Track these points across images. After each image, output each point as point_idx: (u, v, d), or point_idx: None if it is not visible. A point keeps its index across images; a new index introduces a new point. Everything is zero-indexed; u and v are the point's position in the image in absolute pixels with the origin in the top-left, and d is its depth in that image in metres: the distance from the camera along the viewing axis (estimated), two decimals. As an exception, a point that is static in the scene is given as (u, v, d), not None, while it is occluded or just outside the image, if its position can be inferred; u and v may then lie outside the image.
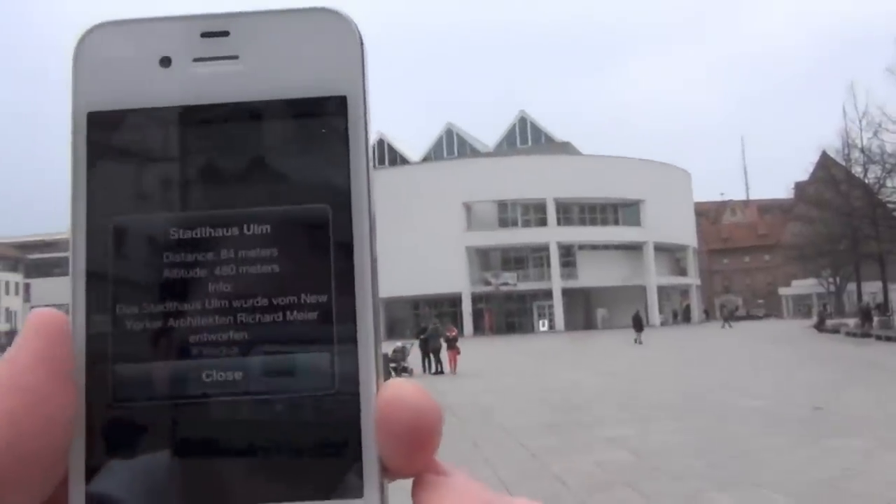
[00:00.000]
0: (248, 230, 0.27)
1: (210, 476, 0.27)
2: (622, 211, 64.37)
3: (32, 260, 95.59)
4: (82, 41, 0.28)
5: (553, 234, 59.60)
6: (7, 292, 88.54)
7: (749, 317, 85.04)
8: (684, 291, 74.11)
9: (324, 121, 0.27)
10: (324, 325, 0.27)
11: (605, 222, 64.11)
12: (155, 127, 0.27)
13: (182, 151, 0.27)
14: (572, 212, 62.59)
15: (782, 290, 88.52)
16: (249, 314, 0.27)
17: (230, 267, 0.27)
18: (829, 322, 44.49)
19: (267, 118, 0.27)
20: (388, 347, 21.43)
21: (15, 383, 0.25)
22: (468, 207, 59.16)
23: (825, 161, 49.13)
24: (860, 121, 41.94)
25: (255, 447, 0.27)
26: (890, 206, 41.55)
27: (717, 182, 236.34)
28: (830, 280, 66.44)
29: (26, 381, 0.25)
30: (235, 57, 0.28)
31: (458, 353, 21.70)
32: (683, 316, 74.45)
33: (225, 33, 0.28)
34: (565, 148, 71.78)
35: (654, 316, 61.98)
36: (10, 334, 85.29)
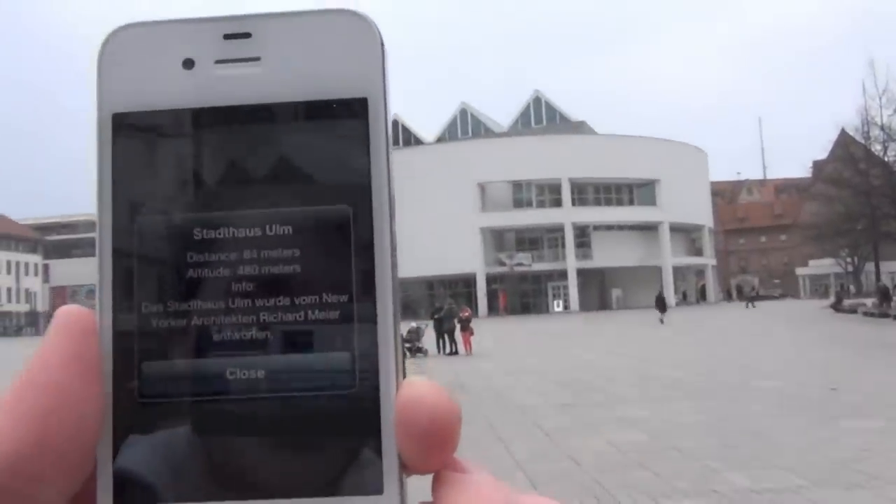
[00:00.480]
0: (271, 230, 0.28)
1: (233, 471, 0.27)
2: (637, 191, 64.01)
3: (51, 241, 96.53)
4: (107, 42, 0.28)
5: (568, 215, 59.41)
6: (27, 273, 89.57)
7: (765, 297, 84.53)
8: (700, 272, 73.76)
9: (345, 122, 0.28)
10: (345, 325, 0.28)
11: (620, 202, 63.82)
12: (178, 128, 0.28)
13: (205, 152, 0.28)
14: (587, 192, 62.32)
15: (799, 271, 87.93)
16: (272, 313, 0.28)
17: (253, 266, 0.28)
18: (847, 302, 44.12)
19: (288, 120, 0.28)
20: (404, 328, 21.26)
21: (45, 381, 0.26)
22: (482, 188, 59.04)
23: (844, 139, 48.54)
24: (880, 98, 41.49)
25: (276, 444, 0.27)
26: (910, 184, 41.07)
27: (734, 161, 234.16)
28: (848, 260, 65.88)
29: (57, 380, 0.26)
30: (258, 59, 0.28)
31: (472, 333, 21.74)
32: (699, 296, 74.16)
33: (247, 35, 0.28)
34: (580, 127, 71.32)
35: (670, 296, 61.79)
36: (31, 315, 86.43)
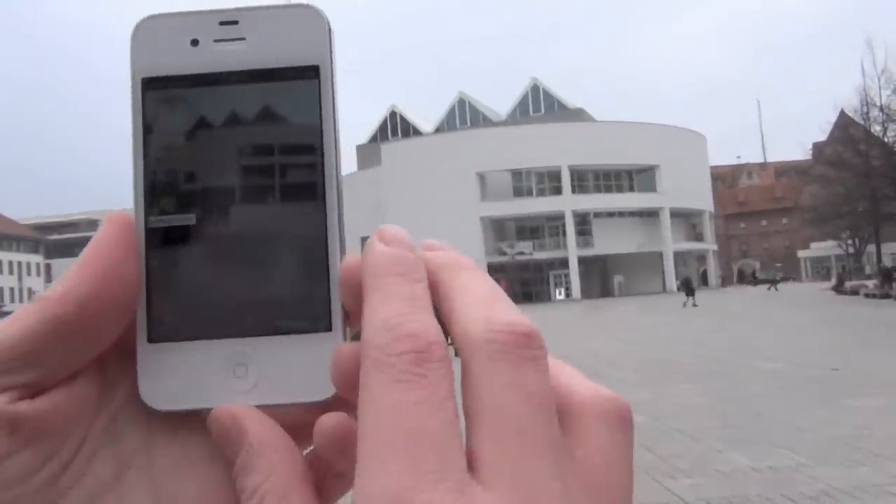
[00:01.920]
0: (252, 152, 0.40)
1: (218, 313, 0.38)
2: (637, 177, 63.96)
3: (53, 241, 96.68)
4: (137, 27, 0.40)
5: (568, 203, 59.39)
6: (29, 273, 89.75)
7: (766, 280, 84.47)
8: (701, 257, 73.77)
9: (304, 82, 0.39)
10: (307, 203, 0.39)
11: (620, 189, 63.76)
12: (188, 86, 0.39)
13: (206, 102, 0.39)
14: (587, 179, 62.27)
15: (801, 253, 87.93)
16: (254, 193, 0.39)
17: (241, 170, 0.40)
18: (848, 284, 44.15)
19: (263, 80, 0.40)
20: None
21: (101, 254, 0.36)
22: (482, 177, 59.00)
23: (843, 120, 48.47)
24: (879, 78, 41.43)
25: (252, 287, 0.38)
26: (910, 165, 41.00)
27: (734, 145, 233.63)
28: (849, 242, 65.90)
29: (109, 254, 0.36)
30: (243, 39, 0.40)
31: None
32: (701, 281, 74.21)
33: (235, 22, 0.40)
34: (579, 114, 71.21)
35: (671, 282, 61.87)
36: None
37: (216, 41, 0.40)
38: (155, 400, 0.37)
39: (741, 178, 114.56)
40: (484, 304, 0.32)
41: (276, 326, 0.38)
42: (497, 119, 73.57)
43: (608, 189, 63.15)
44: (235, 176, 0.39)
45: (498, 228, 61.11)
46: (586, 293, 59.22)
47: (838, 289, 42.97)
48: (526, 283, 62.21)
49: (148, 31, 0.40)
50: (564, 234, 59.81)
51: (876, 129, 43.21)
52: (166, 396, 0.37)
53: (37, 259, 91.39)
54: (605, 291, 63.39)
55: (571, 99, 75.83)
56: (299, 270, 0.38)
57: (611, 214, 62.68)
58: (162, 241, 0.38)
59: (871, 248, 55.54)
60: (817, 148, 57.86)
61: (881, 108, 41.76)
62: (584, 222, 61.45)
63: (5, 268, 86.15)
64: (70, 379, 0.35)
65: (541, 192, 60.92)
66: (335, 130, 0.39)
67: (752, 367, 12.44)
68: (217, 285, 0.38)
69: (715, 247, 73.49)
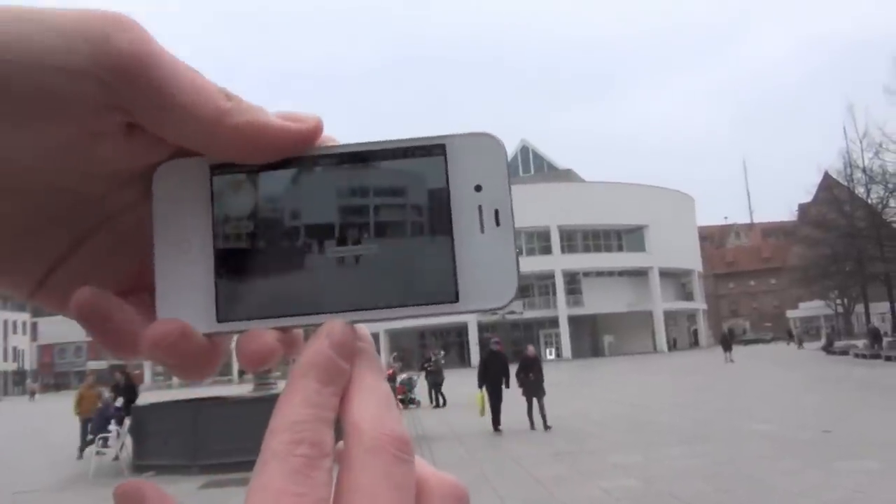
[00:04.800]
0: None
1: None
2: (626, 237, 64.44)
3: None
4: None
5: (558, 262, 59.65)
6: (14, 331, 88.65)
7: (756, 340, 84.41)
8: (691, 316, 73.84)
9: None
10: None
11: (609, 249, 64.14)
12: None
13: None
14: (576, 239, 62.69)
15: (790, 313, 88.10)
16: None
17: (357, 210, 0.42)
18: (838, 344, 44.17)
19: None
20: (396, 379, 21.35)
21: None
22: (472, 237, 59.10)
23: (828, 182, 49.17)
24: (861, 141, 42.19)
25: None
26: (894, 225, 41.49)
27: (721, 206, 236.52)
28: (838, 302, 66.15)
29: None
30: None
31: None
32: (692, 341, 74.14)
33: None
34: (568, 175, 72.14)
35: (661, 342, 61.76)
36: (18, 373, 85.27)
37: None
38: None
39: (729, 238, 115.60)
40: (379, 408, 0.36)
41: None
42: (487, 179, 74.15)
43: (597, 249, 63.53)
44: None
45: (488, 287, 60.97)
46: (576, 352, 58.96)
47: (828, 349, 42.97)
48: (516, 343, 61.78)
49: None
50: (554, 293, 59.88)
51: (860, 190, 43.86)
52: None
53: (23, 317, 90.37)
54: (596, 351, 63.14)
55: (560, 160, 77.05)
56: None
57: (600, 274, 62.90)
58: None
59: (860, 307, 55.78)
60: (803, 209, 58.56)
61: (864, 170, 42.48)
62: (573, 281, 61.61)
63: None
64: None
65: (531, 252, 61.19)
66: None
67: (745, 428, 12.37)
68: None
69: (704, 306, 73.64)
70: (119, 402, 15.04)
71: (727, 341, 41.18)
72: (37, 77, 0.33)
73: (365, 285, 0.40)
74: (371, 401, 0.36)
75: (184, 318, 0.39)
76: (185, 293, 0.40)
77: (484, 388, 15.28)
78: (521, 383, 14.99)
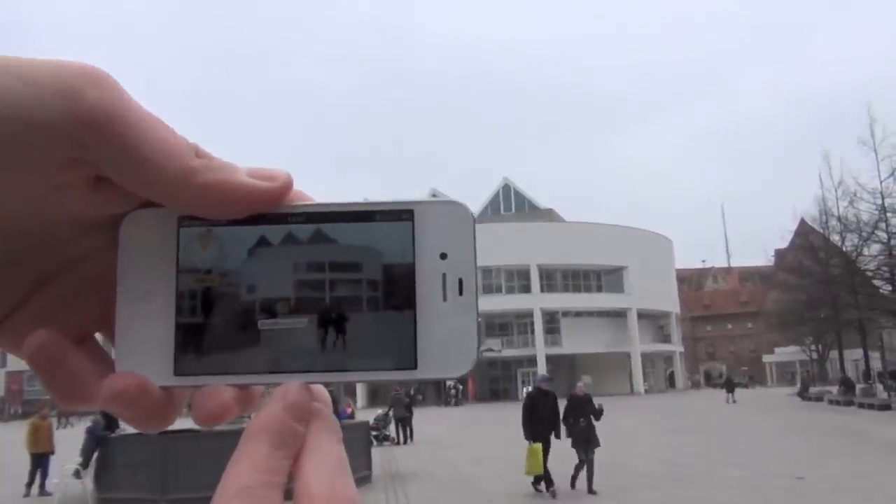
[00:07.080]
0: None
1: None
2: (605, 278, 64.73)
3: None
4: None
5: (537, 301, 59.69)
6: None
7: (736, 384, 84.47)
8: (668, 358, 73.98)
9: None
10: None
11: (588, 289, 64.32)
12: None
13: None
14: (556, 278, 62.85)
15: (766, 358, 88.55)
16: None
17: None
18: (813, 390, 44.46)
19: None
20: (370, 415, 21.17)
21: None
22: (452, 273, 59.09)
23: (804, 229, 49.80)
24: (836, 190, 42.80)
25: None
26: (868, 273, 42.05)
27: (698, 249, 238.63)
28: (813, 347, 66.62)
29: None
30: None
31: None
32: (668, 383, 74.16)
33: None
34: (549, 215, 72.57)
35: (639, 384, 61.73)
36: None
37: None
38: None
39: (706, 281, 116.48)
40: (332, 472, 0.36)
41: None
42: (468, 216, 74.37)
43: (577, 289, 63.68)
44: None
45: (467, 324, 60.79)
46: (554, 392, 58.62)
47: (803, 395, 43.23)
48: (494, 381, 61.65)
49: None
50: (533, 332, 59.84)
51: (835, 237, 44.42)
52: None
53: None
54: (573, 390, 62.88)
55: (541, 199, 77.54)
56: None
57: (579, 314, 62.99)
58: None
59: (835, 353, 56.18)
60: (779, 255, 59.21)
61: (839, 218, 43.08)
62: (552, 321, 61.62)
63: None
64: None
65: (510, 290, 61.24)
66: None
67: (719, 474, 12.35)
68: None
69: (682, 349, 73.82)
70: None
71: (731, 384, 46.20)
72: (2, 128, 0.32)
73: (324, 348, 0.40)
74: (324, 465, 0.36)
75: (141, 370, 0.38)
76: (145, 345, 0.39)
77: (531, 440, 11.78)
78: (570, 432, 12.09)
